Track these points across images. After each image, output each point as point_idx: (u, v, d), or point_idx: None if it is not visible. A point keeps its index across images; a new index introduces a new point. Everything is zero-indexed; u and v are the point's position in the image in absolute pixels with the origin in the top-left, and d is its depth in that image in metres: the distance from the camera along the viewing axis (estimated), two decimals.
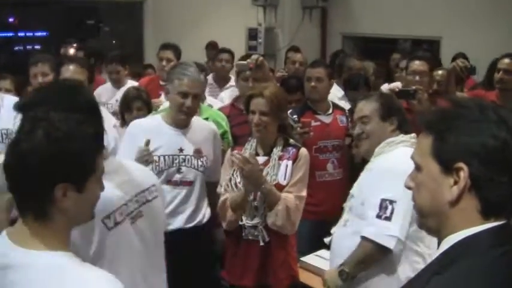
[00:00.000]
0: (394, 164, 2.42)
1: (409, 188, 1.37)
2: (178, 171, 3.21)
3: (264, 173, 2.95)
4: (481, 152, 1.21)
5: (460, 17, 7.15)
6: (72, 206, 1.42)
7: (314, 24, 8.38)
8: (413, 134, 2.54)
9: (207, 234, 3.38)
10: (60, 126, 1.39)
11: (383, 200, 2.40)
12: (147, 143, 3.04)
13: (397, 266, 2.47)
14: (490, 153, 1.21)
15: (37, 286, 1.34)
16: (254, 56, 3.86)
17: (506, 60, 4.40)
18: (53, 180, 1.38)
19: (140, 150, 3.03)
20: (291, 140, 3.10)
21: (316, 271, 3.17)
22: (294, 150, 3.02)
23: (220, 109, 4.16)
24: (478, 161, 1.21)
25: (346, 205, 2.69)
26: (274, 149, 3.02)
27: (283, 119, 3.07)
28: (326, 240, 2.76)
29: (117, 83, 5.34)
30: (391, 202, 2.37)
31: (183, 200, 3.26)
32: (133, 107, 4.02)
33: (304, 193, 2.98)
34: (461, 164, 1.22)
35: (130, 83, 5.23)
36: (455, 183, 1.23)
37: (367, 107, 2.70)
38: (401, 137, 2.60)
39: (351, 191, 2.66)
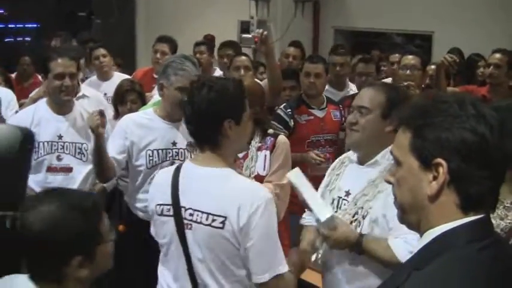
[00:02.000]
0: None
1: (389, 182, 1.37)
2: (172, 164, 3.20)
3: (244, 166, 2.95)
4: (460, 148, 1.20)
5: (453, 12, 7.16)
6: (233, 136, 2.08)
7: (306, 17, 8.35)
8: None
9: None
10: (222, 82, 2.16)
11: None
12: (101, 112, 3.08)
13: None
14: (468, 149, 1.20)
15: (227, 185, 2.06)
16: (259, 30, 3.87)
17: (497, 55, 4.42)
18: (223, 116, 2.05)
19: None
20: (270, 130, 3.08)
21: (311, 265, 3.16)
22: (272, 139, 3.00)
23: None
24: (456, 156, 1.21)
25: (353, 213, 2.34)
26: (252, 141, 2.99)
27: (256, 113, 2.93)
28: None
29: (104, 73, 5.25)
30: None
31: None
32: (128, 99, 4.00)
33: (285, 181, 2.92)
34: (439, 160, 1.21)
35: (117, 76, 5.18)
36: (435, 178, 1.23)
37: (371, 97, 2.35)
38: None
39: (367, 205, 2.29)
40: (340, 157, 2.61)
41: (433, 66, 4.47)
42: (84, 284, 1.69)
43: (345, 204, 2.38)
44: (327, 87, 4.90)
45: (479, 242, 1.21)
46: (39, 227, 1.58)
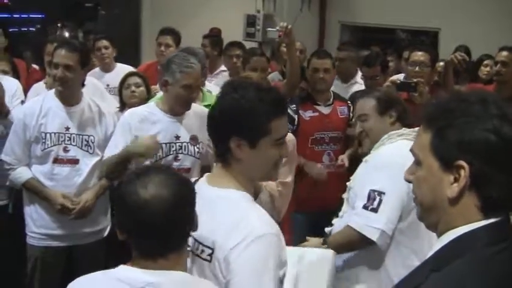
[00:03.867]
0: (386, 156, 2.45)
1: (408, 181, 1.35)
2: (176, 158, 3.20)
3: None
4: (483, 150, 1.17)
5: (460, 9, 7.14)
6: (246, 160, 1.72)
7: (313, 12, 8.33)
8: (416, 128, 2.46)
9: None
10: (241, 93, 1.74)
11: (371, 191, 2.38)
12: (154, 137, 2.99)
13: (384, 259, 2.45)
14: (491, 151, 1.17)
15: (225, 211, 1.71)
16: (283, 24, 3.88)
17: (504, 53, 4.39)
18: (228, 132, 1.71)
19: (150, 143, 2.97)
20: None
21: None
22: None
23: None
24: (479, 158, 1.18)
25: (345, 197, 2.69)
26: None
27: None
28: (327, 229, 2.73)
29: (106, 64, 5.23)
30: (380, 193, 2.34)
31: None
32: (131, 82, 3.95)
33: (288, 179, 2.92)
34: (461, 162, 1.19)
35: (120, 67, 5.16)
36: (456, 180, 1.20)
37: (365, 105, 2.69)
38: (403, 130, 2.59)
39: (348, 184, 2.65)
40: None
41: (441, 63, 4.45)
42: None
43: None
44: None
45: (497, 244, 1.19)
46: (171, 200, 1.53)
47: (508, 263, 1.19)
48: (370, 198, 2.36)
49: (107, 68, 5.23)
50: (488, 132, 1.17)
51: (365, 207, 2.37)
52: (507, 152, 1.18)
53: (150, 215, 1.51)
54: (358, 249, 2.49)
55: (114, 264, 2.29)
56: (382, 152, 2.54)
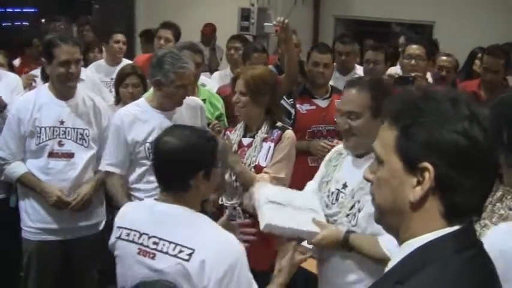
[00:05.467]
0: None
1: (368, 180, 1.27)
2: None
3: (246, 154, 2.97)
4: (450, 152, 1.10)
5: (454, 3, 7.15)
6: None
7: (307, 5, 8.33)
8: None
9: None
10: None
11: None
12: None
13: None
14: (459, 153, 1.10)
15: None
16: (280, 18, 3.85)
17: (491, 59, 4.28)
18: None
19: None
20: (279, 123, 3.08)
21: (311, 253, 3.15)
22: (279, 132, 3.00)
23: (222, 87, 4.17)
24: (445, 161, 1.10)
25: (350, 206, 2.35)
26: (259, 131, 3.01)
27: (265, 103, 3.01)
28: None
29: (118, 58, 5.25)
30: None
31: None
32: (129, 82, 3.94)
33: (283, 175, 2.93)
34: (426, 164, 1.11)
35: (125, 62, 5.15)
36: (419, 183, 1.13)
37: (356, 100, 2.33)
38: None
39: (364, 198, 2.29)
40: (337, 147, 2.60)
41: (443, 57, 4.44)
42: (201, 197, 2.17)
43: (342, 197, 2.38)
44: None
45: (464, 252, 1.13)
46: (178, 145, 2.04)
47: (479, 270, 1.14)
48: None
49: (117, 62, 5.22)
50: (458, 134, 1.10)
51: None
52: (475, 155, 1.11)
53: (160, 153, 2.08)
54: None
55: (109, 259, 2.29)
56: None
